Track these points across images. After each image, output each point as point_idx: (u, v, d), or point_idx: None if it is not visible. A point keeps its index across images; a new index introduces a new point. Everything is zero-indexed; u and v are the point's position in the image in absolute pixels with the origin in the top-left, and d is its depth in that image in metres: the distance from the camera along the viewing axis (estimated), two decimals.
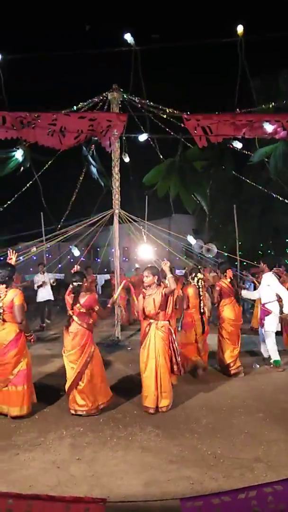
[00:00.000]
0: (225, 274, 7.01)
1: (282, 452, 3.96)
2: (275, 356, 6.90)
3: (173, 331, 5.27)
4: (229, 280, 6.90)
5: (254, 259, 11.83)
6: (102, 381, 5.10)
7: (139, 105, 8.27)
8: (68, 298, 5.13)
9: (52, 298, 11.46)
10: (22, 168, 8.38)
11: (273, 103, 7.38)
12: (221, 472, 3.59)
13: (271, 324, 6.99)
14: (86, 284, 5.20)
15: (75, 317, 5.03)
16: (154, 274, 5.22)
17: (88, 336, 5.04)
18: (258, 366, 7.03)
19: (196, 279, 6.70)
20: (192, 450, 4.03)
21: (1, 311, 4.91)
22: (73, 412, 4.94)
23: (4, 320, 4.94)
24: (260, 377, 6.46)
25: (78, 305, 5.02)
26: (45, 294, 11.18)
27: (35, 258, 9.44)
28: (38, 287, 11.10)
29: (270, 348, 6.96)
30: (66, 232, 9.22)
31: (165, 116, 8.01)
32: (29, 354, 5.16)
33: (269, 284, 7.01)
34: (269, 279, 7.05)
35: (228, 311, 6.77)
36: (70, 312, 5.08)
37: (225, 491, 2.22)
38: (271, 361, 6.94)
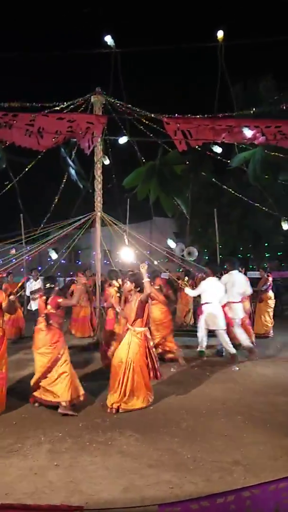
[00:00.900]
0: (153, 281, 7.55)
1: (261, 455, 3.98)
2: (200, 347, 7.92)
3: (150, 337, 5.36)
4: (158, 286, 7.54)
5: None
6: (71, 382, 5.10)
7: (121, 108, 8.24)
8: (40, 301, 5.42)
9: None
10: None
11: (253, 109, 7.46)
12: (201, 476, 3.58)
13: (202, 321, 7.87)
14: (56, 288, 5.51)
15: (46, 317, 5.22)
16: (131, 281, 5.46)
17: (59, 336, 5.23)
18: (237, 369, 7.07)
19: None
20: (171, 454, 4.01)
21: None
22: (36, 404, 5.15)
23: None
24: (239, 380, 6.49)
25: (49, 306, 5.27)
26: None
27: (14, 260, 9.25)
28: (31, 293, 10.31)
29: (199, 339, 7.93)
30: (47, 235, 9.09)
31: (145, 121, 8.00)
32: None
33: (210, 287, 7.84)
34: (212, 283, 7.91)
35: (154, 310, 7.30)
36: (42, 313, 5.31)
37: (203, 496, 2.20)
38: (198, 349, 7.93)
